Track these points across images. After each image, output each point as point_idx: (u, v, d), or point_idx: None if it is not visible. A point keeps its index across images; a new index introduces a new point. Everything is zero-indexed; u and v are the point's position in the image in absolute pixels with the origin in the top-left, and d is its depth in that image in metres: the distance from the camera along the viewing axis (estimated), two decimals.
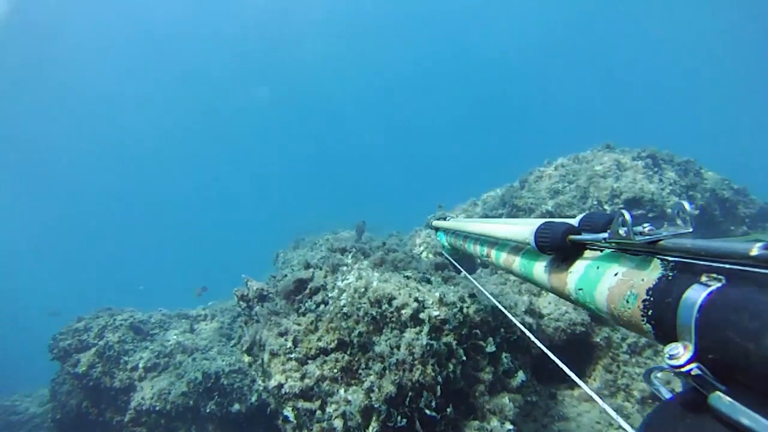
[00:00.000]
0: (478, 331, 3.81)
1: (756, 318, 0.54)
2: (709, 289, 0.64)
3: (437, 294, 3.67)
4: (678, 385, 0.70)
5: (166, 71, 42.48)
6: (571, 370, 4.34)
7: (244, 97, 53.25)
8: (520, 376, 4.06)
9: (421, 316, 3.52)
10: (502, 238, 1.63)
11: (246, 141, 64.45)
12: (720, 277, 0.66)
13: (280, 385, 3.77)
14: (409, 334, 3.39)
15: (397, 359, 3.25)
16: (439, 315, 3.53)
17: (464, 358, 3.56)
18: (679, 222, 0.83)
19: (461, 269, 3.10)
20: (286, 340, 3.95)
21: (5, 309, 37.92)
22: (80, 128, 42.98)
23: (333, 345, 3.82)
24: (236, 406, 7.29)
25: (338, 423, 3.36)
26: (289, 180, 76.19)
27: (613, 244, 0.97)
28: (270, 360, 3.94)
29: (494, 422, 3.64)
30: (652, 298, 0.78)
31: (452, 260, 3.30)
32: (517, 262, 1.54)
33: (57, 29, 27.95)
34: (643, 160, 9.33)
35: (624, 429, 0.83)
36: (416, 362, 3.27)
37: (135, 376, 8.37)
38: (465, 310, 3.74)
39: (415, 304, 3.55)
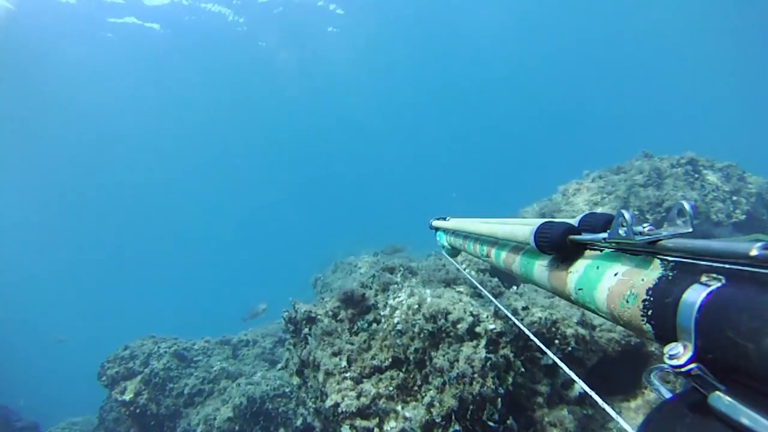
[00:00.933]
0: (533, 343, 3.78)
1: (756, 318, 0.54)
2: (709, 289, 0.64)
3: (492, 308, 3.67)
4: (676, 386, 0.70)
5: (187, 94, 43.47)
6: (626, 381, 4.24)
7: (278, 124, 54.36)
8: (578, 387, 3.99)
9: (477, 329, 3.53)
10: (502, 238, 1.62)
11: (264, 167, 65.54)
12: (720, 277, 0.66)
13: (337, 405, 3.79)
14: (467, 348, 3.40)
15: (457, 373, 3.26)
16: (495, 328, 3.53)
17: (522, 369, 3.54)
18: (679, 222, 0.83)
19: (460, 268, 3.09)
20: (340, 359, 3.99)
21: (10, 336, 38.95)
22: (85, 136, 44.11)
23: (387, 363, 3.84)
24: (281, 431, 7.32)
25: None
26: (319, 207, 77.10)
27: (613, 244, 0.97)
28: (325, 380, 3.98)
29: None
30: (651, 298, 0.78)
31: (452, 260, 3.29)
32: (516, 262, 1.53)
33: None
34: (683, 167, 9.17)
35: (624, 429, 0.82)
36: (476, 375, 3.26)
37: (180, 403, 8.50)
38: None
39: (471, 318, 3.56)
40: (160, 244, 66.67)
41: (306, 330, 4.88)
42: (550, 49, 48.52)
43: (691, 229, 0.80)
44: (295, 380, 5.30)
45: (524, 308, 3.86)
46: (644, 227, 0.86)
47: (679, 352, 0.64)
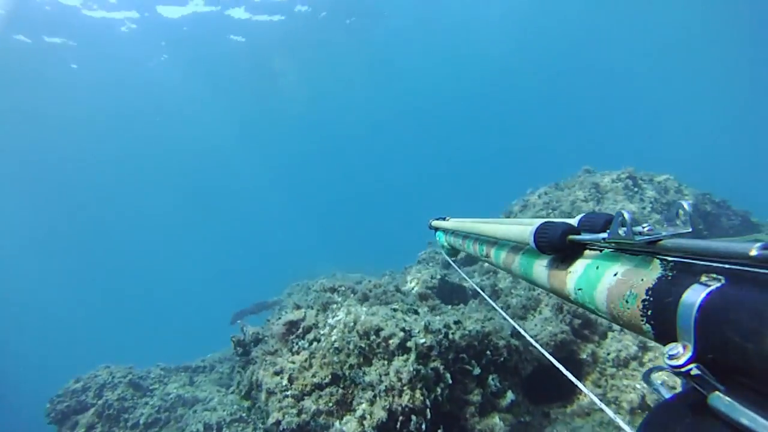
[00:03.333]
0: (464, 355, 4.01)
1: (756, 318, 0.54)
2: (709, 289, 0.65)
3: (422, 323, 3.89)
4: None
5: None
6: (561, 389, 4.51)
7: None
8: (509, 396, 4.22)
9: (408, 344, 3.73)
10: (501, 238, 1.64)
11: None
12: (720, 277, 0.66)
13: (278, 422, 3.91)
14: (398, 362, 3.60)
15: (385, 386, 3.44)
16: (425, 342, 3.75)
17: (451, 381, 3.75)
18: (678, 222, 0.83)
19: (460, 270, 3.16)
20: (281, 378, 4.12)
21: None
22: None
23: (327, 380, 4.00)
24: None
25: None
26: (282, 228, 76.80)
27: (613, 244, 0.97)
28: (267, 398, 4.10)
29: None
30: (651, 298, 0.78)
31: (451, 261, 3.37)
32: (516, 262, 1.53)
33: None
34: (623, 181, 9.74)
35: (623, 430, 0.82)
36: (405, 387, 3.46)
37: None
38: (451, 336, 3.96)
39: (402, 334, 3.77)
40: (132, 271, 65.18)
41: (254, 352, 4.99)
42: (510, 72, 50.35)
43: (690, 229, 0.81)
44: (246, 403, 5.38)
45: (456, 322, 4.09)
46: (644, 227, 0.87)
47: (679, 352, 0.65)
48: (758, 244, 0.59)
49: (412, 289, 6.84)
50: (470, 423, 3.89)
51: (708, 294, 0.64)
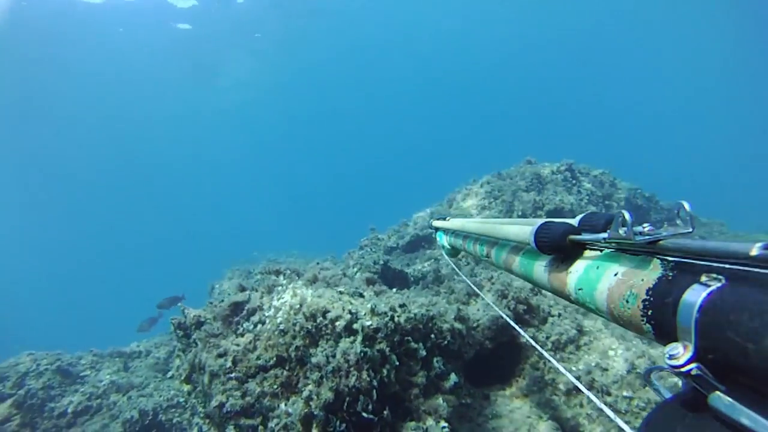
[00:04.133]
0: (409, 338, 4.07)
1: (756, 318, 0.55)
2: (709, 289, 0.65)
3: (369, 305, 3.92)
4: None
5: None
6: (501, 372, 4.66)
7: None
8: (453, 378, 4.33)
9: (355, 326, 3.75)
10: (502, 238, 1.64)
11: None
12: (720, 277, 0.66)
13: (222, 405, 3.82)
14: (344, 343, 3.60)
15: (333, 367, 3.45)
16: (371, 324, 3.77)
17: (397, 363, 3.80)
18: (679, 222, 0.83)
19: (459, 271, 3.16)
20: (225, 360, 4.02)
21: None
22: None
23: (272, 362, 3.94)
24: None
25: None
26: (225, 212, 74.89)
27: (613, 244, 0.98)
28: (210, 381, 4.00)
29: (430, 422, 3.89)
30: (651, 298, 0.78)
31: (451, 261, 3.37)
32: (516, 262, 1.54)
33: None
34: (562, 173, 10.20)
35: (622, 430, 0.84)
36: (352, 368, 3.47)
37: (63, 423, 7.87)
38: (396, 319, 4.00)
39: (349, 316, 3.77)
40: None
41: (195, 335, 4.84)
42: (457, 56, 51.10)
43: (691, 230, 0.81)
44: (186, 387, 5.21)
45: (401, 305, 4.14)
46: (644, 227, 0.87)
47: (679, 352, 0.65)
48: (759, 244, 0.60)
49: (355, 273, 6.85)
50: (415, 404, 3.97)
51: (708, 294, 0.65)
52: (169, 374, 6.42)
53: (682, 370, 0.64)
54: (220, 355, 4.08)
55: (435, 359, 4.27)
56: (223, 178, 73.03)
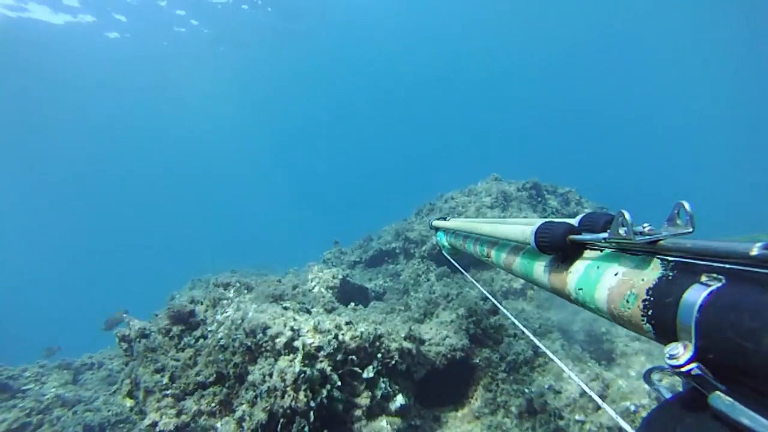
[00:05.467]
0: (354, 357, 4.00)
1: (756, 318, 0.55)
2: (709, 289, 0.65)
3: (312, 322, 3.84)
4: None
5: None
6: (451, 393, 4.58)
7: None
8: (399, 399, 4.26)
9: (296, 344, 3.66)
10: (502, 238, 1.63)
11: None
12: (720, 277, 0.66)
13: (155, 424, 3.68)
14: (283, 361, 3.51)
15: (268, 386, 3.35)
16: (313, 342, 3.69)
17: (339, 383, 3.72)
18: (679, 222, 0.84)
19: (461, 269, 3.11)
20: (162, 376, 3.89)
21: None
22: None
23: (212, 378, 3.82)
24: None
25: None
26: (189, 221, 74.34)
27: (613, 244, 0.98)
28: (145, 398, 3.85)
29: None
30: (652, 298, 0.78)
31: (452, 260, 3.32)
32: (517, 262, 1.54)
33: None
34: (528, 191, 10.32)
35: (624, 430, 0.83)
36: (288, 388, 3.38)
37: None
38: (341, 337, 3.93)
39: (290, 333, 3.69)
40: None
41: (136, 347, 4.67)
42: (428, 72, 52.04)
43: (691, 230, 0.82)
44: (128, 402, 5.01)
45: (347, 323, 4.08)
46: (644, 227, 0.87)
47: (679, 352, 0.65)
48: (759, 244, 0.59)
49: (312, 288, 6.74)
50: (356, 426, 3.88)
51: (708, 294, 0.65)
52: (113, 389, 6.17)
53: (683, 369, 0.63)
54: (157, 371, 3.94)
55: (381, 379, 4.20)
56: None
